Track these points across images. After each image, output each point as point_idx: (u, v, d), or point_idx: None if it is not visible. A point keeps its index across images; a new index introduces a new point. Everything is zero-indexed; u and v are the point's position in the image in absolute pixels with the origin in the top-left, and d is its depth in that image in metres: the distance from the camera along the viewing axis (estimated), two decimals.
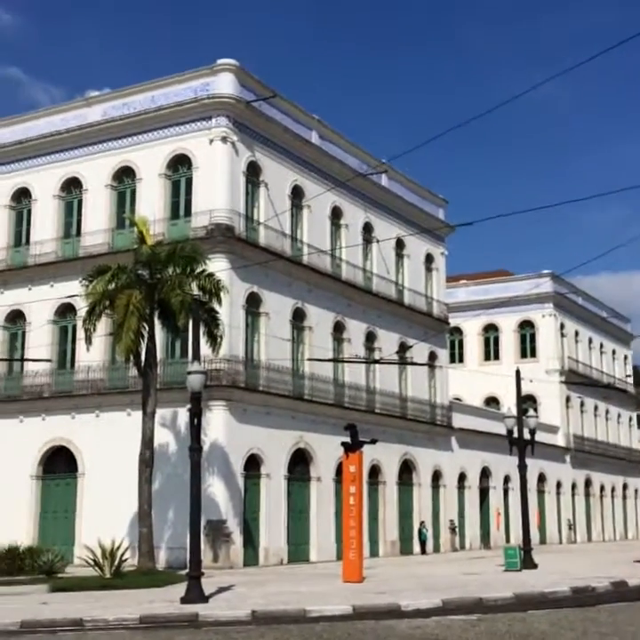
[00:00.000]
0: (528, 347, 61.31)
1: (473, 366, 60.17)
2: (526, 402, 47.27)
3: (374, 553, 38.58)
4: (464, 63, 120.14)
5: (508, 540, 48.42)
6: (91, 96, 37.09)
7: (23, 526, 33.62)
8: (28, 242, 37.49)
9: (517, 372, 33.19)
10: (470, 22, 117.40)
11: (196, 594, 18.41)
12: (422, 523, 42.76)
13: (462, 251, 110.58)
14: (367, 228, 42.34)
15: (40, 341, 35.36)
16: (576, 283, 67.55)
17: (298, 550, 34.69)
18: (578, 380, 60.51)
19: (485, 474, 49.79)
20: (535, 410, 44.99)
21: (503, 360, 60.74)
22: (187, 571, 19.78)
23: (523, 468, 30.85)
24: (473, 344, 62.93)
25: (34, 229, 37.38)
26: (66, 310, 35.72)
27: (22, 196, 38.20)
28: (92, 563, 24.68)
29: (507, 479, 50.98)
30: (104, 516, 31.53)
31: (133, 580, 23.42)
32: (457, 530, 45.97)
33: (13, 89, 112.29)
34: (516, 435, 31.11)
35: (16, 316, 37.11)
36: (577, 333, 65.26)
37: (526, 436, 31.54)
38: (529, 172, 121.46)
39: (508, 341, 61.83)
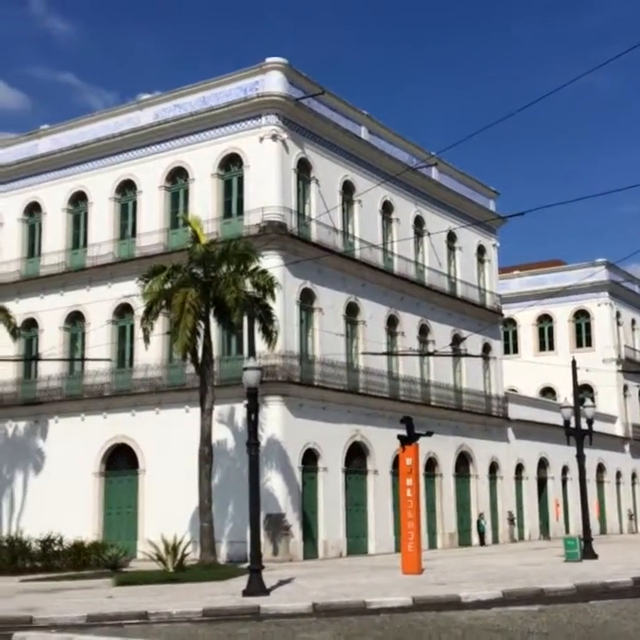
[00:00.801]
0: (583, 336, 60.61)
1: (528, 357, 59.68)
2: (583, 392, 46.90)
3: (432, 545, 38.62)
4: (512, 53, 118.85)
5: (567, 530, 48.03)
6: (143, 99, 37.59)
7: (88, 522, 34.32)
8: (85, 244, 38.19)
9: (573, 362, 32.95)
10: (518, 12, 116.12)
11: (257, 587, 18.68)
12: (481, 514, 42.65)
13: (514, 242, 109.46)
14: (418, 222, 42.30)
15: (99, 341, 36.03)
16: (632, 271, 66.72)
17: (356, 543, 34.89)
18: (635, 369, 59.71)
19: (543, 464, 49.43)
20: (592, 399, 44.64)
21: (558, 350, 60.15)
22: (247, 564, 20.07)
23: (581, 458, 30.65)
24: (527, 335, 62.42)
25: (91, 232, 38.06)
26: (123, 310, 36.34)
27: (79, 199, 38.90)
28: (156, 557, 25.15)
29: (565, 470, 50.55)
30: (165, 511, 32.09)
31: (196, 574, 23.82)
32: (515, 521, 45.74)
33: (69, 95, 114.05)
34: (573, 425, 30.92)
35: (75, 317, 37.84)
36: (633, 322, 64.35)
37: (584, 425, 31.33)
38: (580, 161, 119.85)
39: (563, 331, 61.19)
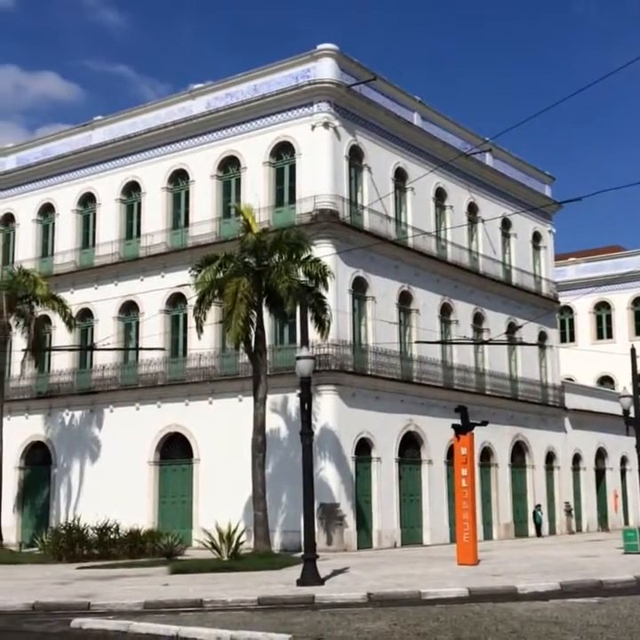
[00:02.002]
0: None
1: (585, 345, 58.79)
2: None
3: (488, 536, 38.25)
4: (572, 33, 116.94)
5: (626, 522, 47.26)
6: (194, 88, 37.64)
7: (143, 510, 34.65)
8: (138, 234, 38.47)
9: (633, 350, 32.27)
10: None
11: (311, 576, 18.62)
12: (537, 505, 42.12)
13: (571, 228, 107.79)
14: (472, 209, 41.81)
15: (153, 331, 36.26)
16: None
17: (411, 533, 34.69)
18: None
19: (601, 455, 48.66)
20: None
21: (617, 338, 59.07)
22: (301, 553, 20.03)
23: None
24: (584, 322, 61.42)
25: (144, 222, 38.32)
26: (176, 300, 36.52)
27: (132, 189, 39.17)
28: (210, 546, 25.29)
29: (624, 460, 49.70)
30: (219, 500, 32.23)
31: (250, 563, 23.86)
32: (573, 512, 45.11)
33: (122, 86, 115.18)
34: (632, 414, 30.32)
35: (129, 307, 38.15)
36: None
37: None
38: (637, 144, 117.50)
39: (622, 319, 60.05)
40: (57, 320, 36.64)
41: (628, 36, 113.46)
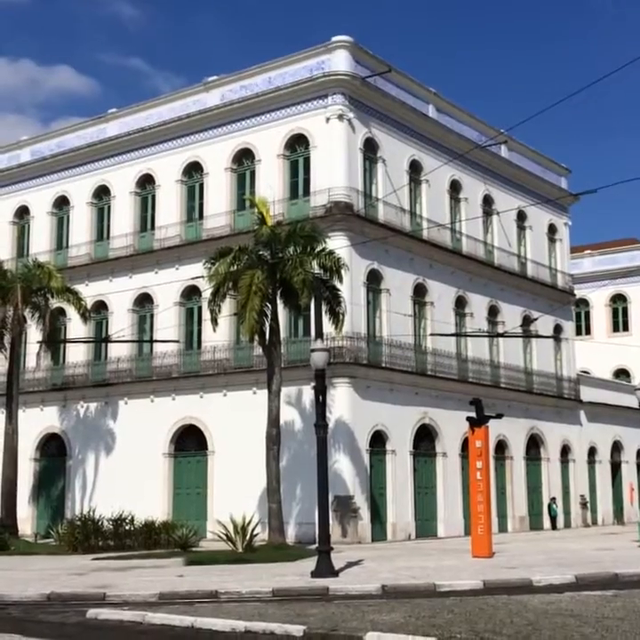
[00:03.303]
0: None
1: (600, 338, 58.46)
2: None
3: (503, 528, 38.19)
4: (588, 25, 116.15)
5: None
6: (209, 81, 37.59)
7: (158, 502, 34.75)
8: (153, 227, 38.53)
9: None
10: None
11: (326, 568, 18.63)
12: (553, 498, 42.00)
13: (587, 220, 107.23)
14: (487, 201, 41.65)
15: (167, 323, 36.33)
16: None
17: (425, 526, 34.66)
18: None
19: (617, 448, 48.44)
20: None
21: (633, 331, 58.72)
22: (316, 545, 20.03)
23: None
24: (600, 315, 61.08)
25: (158, 214, 38.36)
26: (191, 292, 36.55)
27: (147, 182, 39.20)
28: (225, 537, 25.34)
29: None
30: (234, 492, 32.28)
31: (265, 555, 23.91)
32: (588, 505, 44.97)
33: (137, 79, 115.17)
34: None
35: (144, 299, 38.21)
36: None
37: None
38: None
39: (638, 311, 59.64)
40: (72, 312, 36.75)
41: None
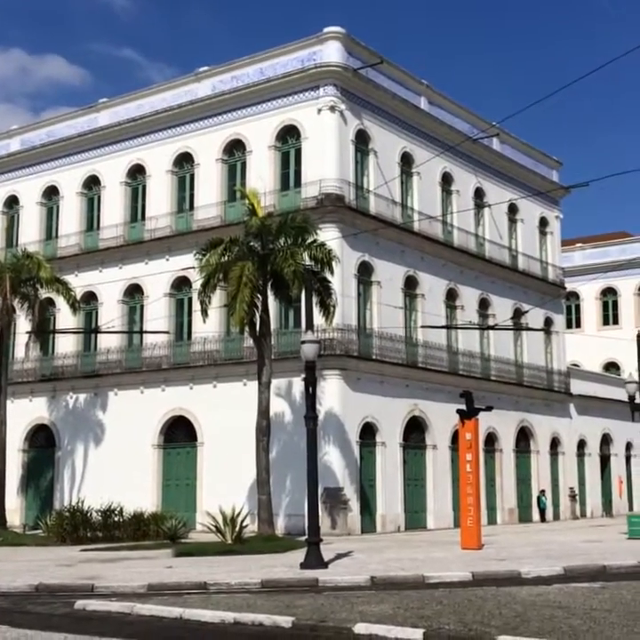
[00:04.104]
0: None
1: (591, 331, 58.61)
2: None
3: (492, 520, 38.28)
4: (579, 18, 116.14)
5: (631, 508, 47.09)
6: (200, 71, 37.41)
7: (147, 494, 34.69)
8: (143, 218, 38.39)
9: (639, 336, 32.20)
10: None
11: (315, 559, 18.63)
12: (542, 491, 42.13)
13: (578, 213, 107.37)
14: (478, 193, 41.64)
15: (157, 314, 36.24)
16: None
17: (415, 518, 34.72)
18: None
19: (606, 441, 48.61)
20: None
21: (623, 324, 58.89)
22: (305, 537, 20.03)
23: None
24: (590, 308, 61.23)
25: (149, 205, 38.22)
26: (181, 283, 36.46)
27: (137, 172, 39.04)
28: (214, 529, 25.31)
29: (629, 446, 49.67)
30: (223, 483, 32.26)
31: (254, 546, 23.90)
32: (577, 497, 45.13)
33: (130, 70, 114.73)
34: (638, 400, 30.27)
35: (134, 290, 38.09)
36: None
37: None
38: None
39: (628, 305, 59.83)
40: (61, 303, 36.62)
41: (637, 20, 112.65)
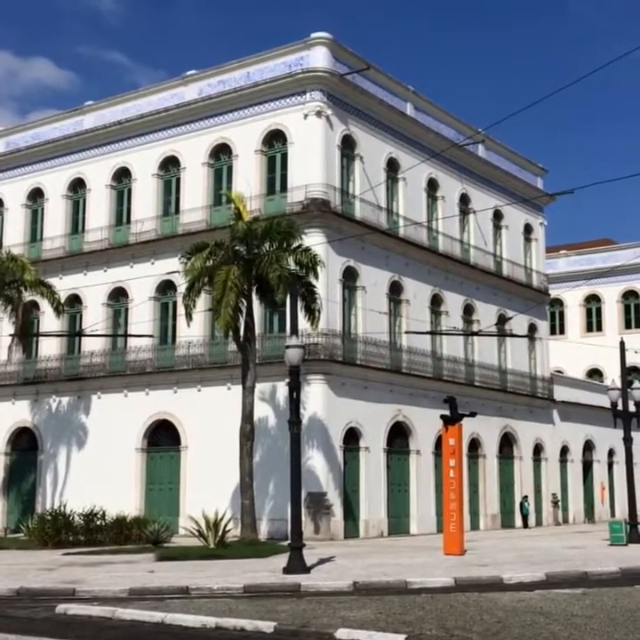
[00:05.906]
0: (633, 317, 59.50)
1: (574, 338, 58.88)
2: (631, 374, 46.13)
3: (475, 526, 38.36)
4: (565, 28, 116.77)
5: (613, 514, 47.46)
6: (187, 75, 37.37)
7: (130, 497, 34.54)
8: (128, 221, 38.29)
9: (622, 343, 32.38)
10: None
11: (297, 564, 18.62)
12: (525, 496, 42.23)
13: (563, 220, 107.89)
14: (464, 200, 41.77)
15: (142, 318, 36.14)
16: None
17: (398, 523, 34.74)
18: None
19: (589, 447, 48.80)
20: None
21: (606, 331, 59.21)
22: (288, 542, 20.02)
23: (628, 441, 30.20)
24: (574, 315, 61.55)
25: (134, 208, 38.13)
26: (166, 287, 36.39)
27: (123, 175, 38.96)
28: (197, 533, 25.26)
29: (611, 453, 49.89)
30: (207, 487, 32.16)
31: (237, 551, 23.85)
32: (560, 503, 45.26)
33: (117, 73, 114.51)
34: (620, 407, 30.41)
35: (119, 294, 37.98)
36: None
37: (631, 408, 30.81)
38: (631, 137, 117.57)
39: (612, 312, 60.20)
40: (45, 306, 36.47)
41: (621, 32, 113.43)
